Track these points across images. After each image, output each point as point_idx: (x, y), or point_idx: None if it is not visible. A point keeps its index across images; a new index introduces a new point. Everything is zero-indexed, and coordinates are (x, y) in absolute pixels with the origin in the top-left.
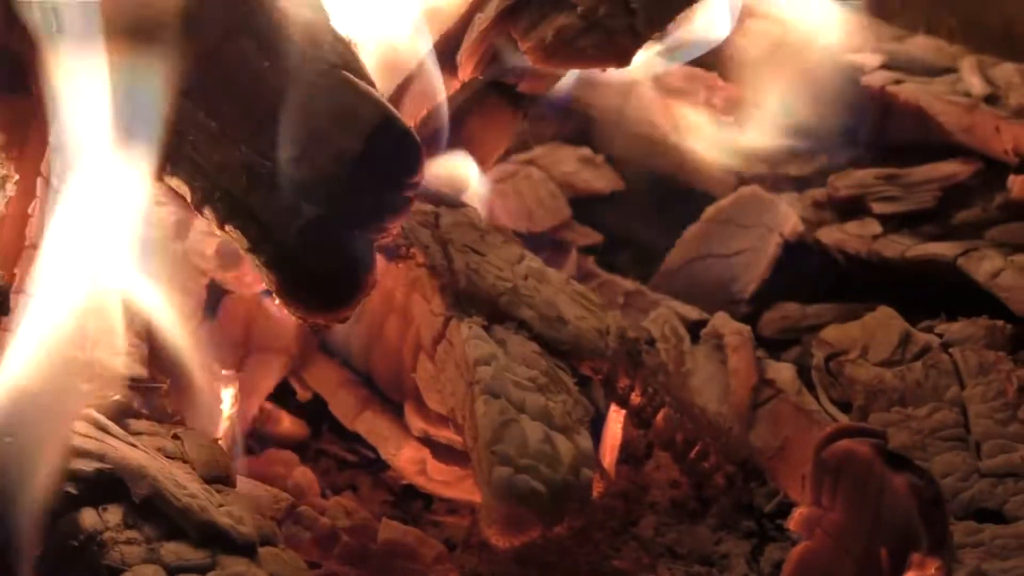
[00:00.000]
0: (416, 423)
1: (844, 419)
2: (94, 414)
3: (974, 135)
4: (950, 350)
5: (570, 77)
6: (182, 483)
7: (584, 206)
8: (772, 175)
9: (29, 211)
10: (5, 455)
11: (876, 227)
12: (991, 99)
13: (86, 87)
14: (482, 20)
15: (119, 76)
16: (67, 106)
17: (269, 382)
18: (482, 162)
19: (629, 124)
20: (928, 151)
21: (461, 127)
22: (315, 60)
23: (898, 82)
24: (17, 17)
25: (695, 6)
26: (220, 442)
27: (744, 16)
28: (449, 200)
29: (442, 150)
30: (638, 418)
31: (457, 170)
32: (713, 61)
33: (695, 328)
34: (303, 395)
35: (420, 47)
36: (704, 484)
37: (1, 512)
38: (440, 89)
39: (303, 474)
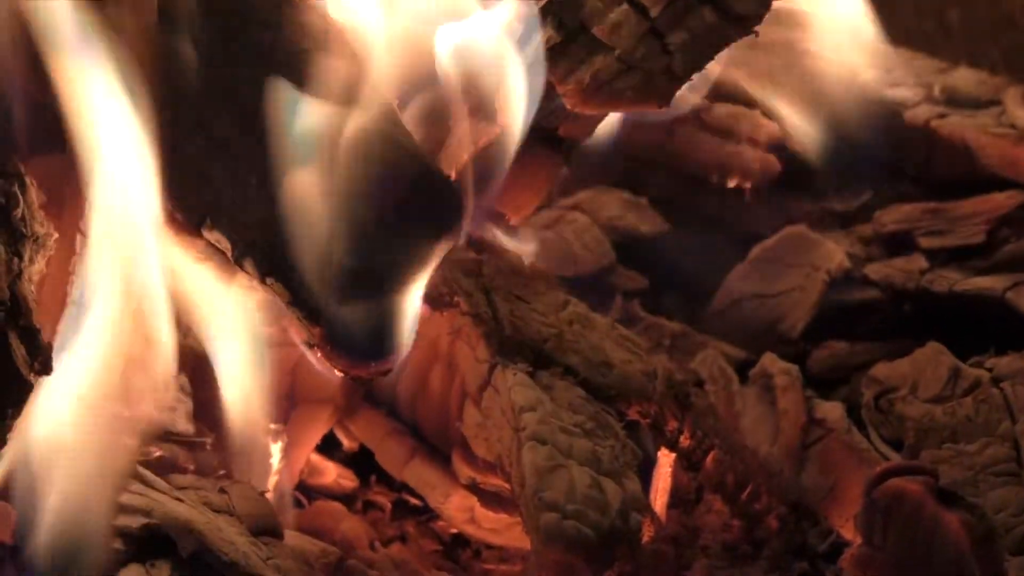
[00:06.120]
0: (464, 471)
1: (895, 457)
2: (140, 469)
3: (1019, 168)
4: (1000, 384)
5: (612, 119)
6: (229, 537)
7: (628, 249)
8: (818, 212)
9: (70, 269)
10: (52, 513)
11: (923, 262)
12: None
13: (124, 143)
14: None
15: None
16: (106, 163)
17: (315, 434)
18: (524, 207)
19: (672, 164)
20: (974, 184)
21: None
22: (351, 114)
23: (942, 116)
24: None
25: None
26: (268, 495)
27: (788, 53)
28: (492, 247)
29: (484, 197)
30: (688, 461)
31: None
32: (756, 98)
33: (743, 369)
34: (350, 446)
35: (458, 94)
36: (756, 526)
37: (52, 571)
38: (480, 136)
39: (351, 526)
